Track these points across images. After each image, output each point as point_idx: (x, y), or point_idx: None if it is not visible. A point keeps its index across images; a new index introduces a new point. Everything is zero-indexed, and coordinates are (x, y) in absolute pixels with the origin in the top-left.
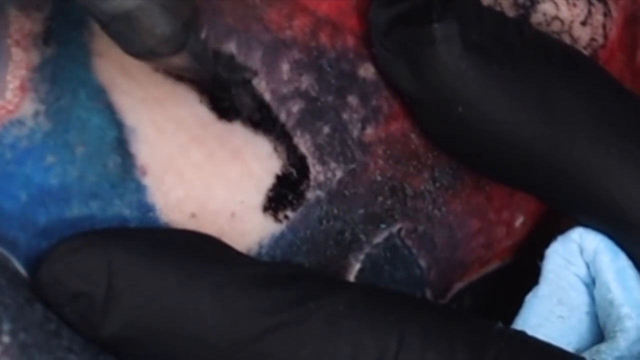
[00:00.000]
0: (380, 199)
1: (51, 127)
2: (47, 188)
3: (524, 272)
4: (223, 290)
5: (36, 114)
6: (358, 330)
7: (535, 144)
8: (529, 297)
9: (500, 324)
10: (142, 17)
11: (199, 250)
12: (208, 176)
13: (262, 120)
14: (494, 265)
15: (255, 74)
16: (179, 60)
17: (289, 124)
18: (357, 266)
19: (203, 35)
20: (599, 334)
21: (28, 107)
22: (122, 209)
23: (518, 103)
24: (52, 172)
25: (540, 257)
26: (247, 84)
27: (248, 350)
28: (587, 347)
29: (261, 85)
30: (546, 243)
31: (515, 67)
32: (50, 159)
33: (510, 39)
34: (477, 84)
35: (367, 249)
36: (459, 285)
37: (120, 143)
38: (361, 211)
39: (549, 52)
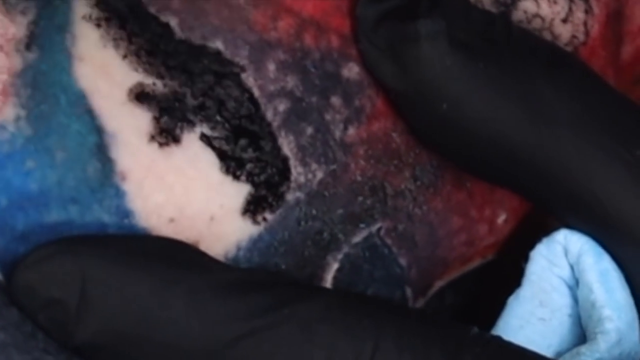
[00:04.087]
0: (360, 198)
1: (32, 132)
2: (26, 193)
3: (506, 270)
4: (197, 297)
5: (17, 118)
6: (333, 336)
7: (520, 142)
8: (511, 299)
9: (476, 329)
10: None
11: (173, 257)
12: (189, 180)
13: (249, 116)
14: (475, 263)
15: (243, 69)
16: None
17: (275, 124)
18: (335, 266)
19: None
20: (581, 336)
21: (10, 112)
22: (101, 214)
23: (503, 101)
24: (32, 177)
25: (524, 258)
26: (235, 76)
27: (222, 356)
28: (569, 349)
29: (249, 80)
30: (530, 241)
31: (501, 65)
32: (30, 163)
33: (497, 37)
34: (462, 81)
35: (345, 249)
36: (439, 283)
37: (100, 149)
38: (340, 211)
39: (536, 51)
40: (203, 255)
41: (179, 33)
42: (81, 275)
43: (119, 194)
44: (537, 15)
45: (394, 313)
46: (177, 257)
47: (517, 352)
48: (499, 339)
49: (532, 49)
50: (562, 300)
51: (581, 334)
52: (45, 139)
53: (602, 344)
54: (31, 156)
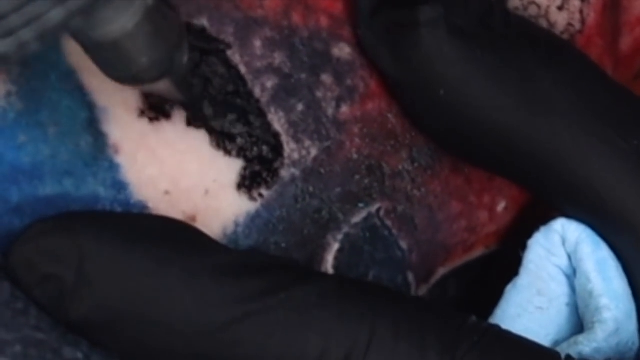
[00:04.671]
0: (357, 177)
1: (23, 107)
2: (19, 166)
3: (510, 261)
4: (193, 278)
5: (8, 94)
6: (329, 321)
7: (516, 131)
8: (509, 288)
9: (474, 317)
10: (129, 45)
11: (171, 237)
12: (181, 154)
13: (237, 92)
14: (478, 252)
15: (229, 46)
16: (161, 86)
17: (263, 100)
18: (335, 246)
19: (186, 58)
20: (579, 325)
21: (0, 88)
22: (96, 187)
23: (499, 89)
24: (24, 151)
25: (523, 247)
26: (220, 53)
27: (216, 338)
28: (566, 339)
29: (235, 57)
30: (533, 232)
31: (499, 53)
32: (22, 138)
33: (495, 25)
34: (459, 68)
35: (345, 229)
36: (442, 271)
37: (91, 123)
38: (338, 190)
39: (534, 39)
40: (202, 236)
41: None
42: (79, 252)
43: (113, 166)
44: (533, 3)
45: (391, 300)
46: (176, 237)
47: (515, 341)
48: (496, 327)
49: (530, 37)
50: (559, 289)
51: (579, 323)
52: (36, 114)
53: (600, 333)
54: (23, 130)
